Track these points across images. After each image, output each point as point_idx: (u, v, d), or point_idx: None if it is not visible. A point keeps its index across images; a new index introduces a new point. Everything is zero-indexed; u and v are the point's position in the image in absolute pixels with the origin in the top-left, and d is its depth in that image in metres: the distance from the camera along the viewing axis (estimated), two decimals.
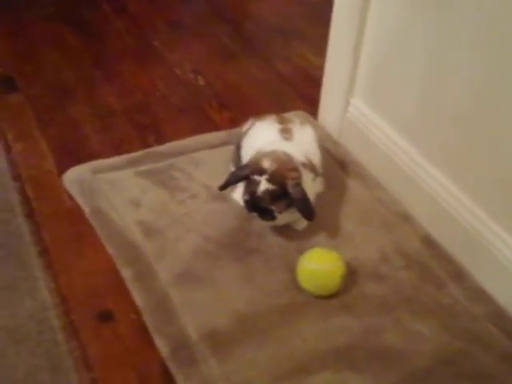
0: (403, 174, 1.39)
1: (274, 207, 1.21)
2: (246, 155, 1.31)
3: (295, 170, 1.22)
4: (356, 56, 1.46)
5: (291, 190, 1.20)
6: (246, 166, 1.25)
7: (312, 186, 1.28)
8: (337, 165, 1.51)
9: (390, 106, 1.43)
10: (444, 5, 1.18)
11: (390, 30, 1.35)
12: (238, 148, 1.37)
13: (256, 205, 1.22)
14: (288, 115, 1.44)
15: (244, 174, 1.24)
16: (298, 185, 1.20)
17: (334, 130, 1.60)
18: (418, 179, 1.35)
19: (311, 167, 1.28)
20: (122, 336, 1.13)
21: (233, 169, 1.40)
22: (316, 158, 1.32)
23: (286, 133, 1.31)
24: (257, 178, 1.21)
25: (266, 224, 1.29)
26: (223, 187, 1.27)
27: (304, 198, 1.21)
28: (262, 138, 1.32)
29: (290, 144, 1.29)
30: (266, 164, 1.21)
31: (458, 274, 1.26)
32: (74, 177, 1.43)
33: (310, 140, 1.35)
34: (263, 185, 1.20)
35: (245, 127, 1.38)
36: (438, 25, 1.21)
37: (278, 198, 1.20)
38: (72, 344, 1.10)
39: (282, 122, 1.34)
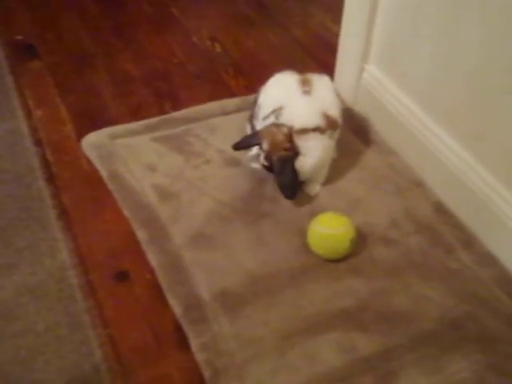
0: (416, 141, 1.40)
1: None
2: (264, 104, 1.36)
3: (286, 149, 1.27)
4: (370, 22, 1.46)
5: (274, 163, 1.27)
6: (256, 135, 1.31)
7: (326, 147, 1.32)
8: (350, 131, 1.52)
9: (403, 73, 1.43)
10: None
11: None
12: (256, 98, 1.40)
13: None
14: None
15: (254, 143, 1.31)
16: (280, 160, 1.26)
17: (348, 97, 1.60)
18: (431, 146, 1.36)
19: (327, 125, 1.30)
20: (137, 295, 1.17)
21: (248, 125, 1.43)
22: (335, 110, 1.34)
23: (305, 84, 1.34)
24: (261, 151, 1.30)
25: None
26: (236, 147, 1.33)
27: (279, 172, 1.27)
28: (281, 86, 1.36)
29: (307, 99, 1.32)
30: (265, 145, 1.27)
31: (468, 240, 1.28)
32: (93, 142, 1.46)
33: (329, 90, 1.36)
34: (262, 160, 1.30)
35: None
36: None
37: None
38: (90, 302, 1.15)
39: (300, 73, 1.38)
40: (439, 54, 1.29)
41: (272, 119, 1.30)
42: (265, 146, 1.28)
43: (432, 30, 1.29)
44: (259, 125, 1.35)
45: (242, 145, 1.34)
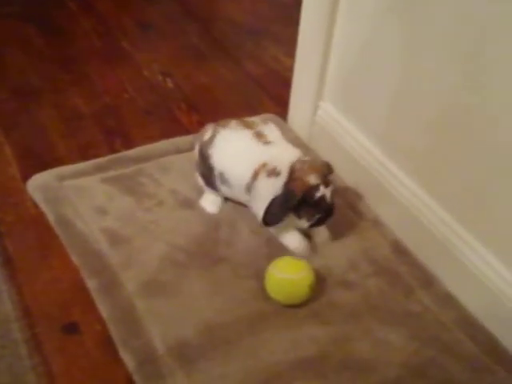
0: (373, 180, 1.38)
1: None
2: (230, 171, 1.27)
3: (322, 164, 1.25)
4: (325, 58, 1.45)
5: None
6: (290, 194, 1.19)
7: None
8: None
9: (360, 111, 1.42)
10: (416, 8, 1.17)
11: (359, 32, 1.34)
12: (204, 158, 1.31)
13: (328, 213, 1.23)
14: (256, 119, 1.40)
15: (295, 202, 1.19)
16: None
17: (304, 134, 1.59)
18: (388, 185, 1.35)
19: None
20: (87, 349, 1.10)
21: (200, 179, 1.36)
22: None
23: (261, 137, 1.27)
24: (317, 194, 1.19)
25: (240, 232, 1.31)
26: (270, 223, 1.23)
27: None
28: (239, 147, 1.27)
29: (273, 147, 1.26)
30: (312, 179, 1.19)
31: (427, 281, 1.26)
32: (39, 183, 1.40)
33: (280, 136, 1.31)
34: (328, 192, 1.21)
35: (206, 135, 1.32)
36: (410, 29, 1.20)
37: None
38: (35, 358, 1.07)
39: (248, 126, 1.29)
40: (397, 96, 1.28)
41: (264, 179, 1.22)
42: (315, 178, 1.19)
43: (391, 71, 1.28)
44: (237, 193, 1.31)
45: (280, 216, 1.21)
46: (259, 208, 1.24)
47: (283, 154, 1.24)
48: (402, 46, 1.23)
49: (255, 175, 1.23)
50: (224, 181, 1.30)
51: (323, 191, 1.20)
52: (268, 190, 1.22)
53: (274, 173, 1.21)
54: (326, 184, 1.21)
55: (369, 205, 1.42)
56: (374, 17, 1.28)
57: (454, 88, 1.13)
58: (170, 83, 1.83)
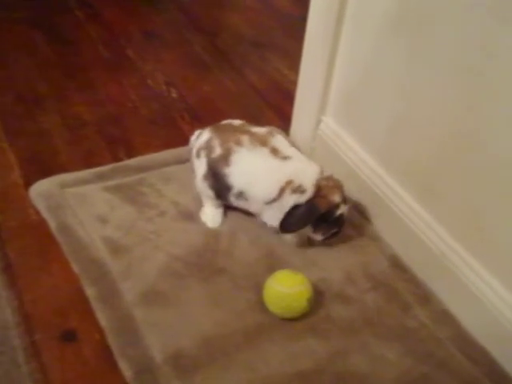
0: (374, 195, 1.39)
1: None
2: (250, 187, 1.29)
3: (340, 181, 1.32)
4: (329, 73, 1.46)
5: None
6: (314, 209, 1.25)
7: None
8: None
9: (361, 127, 1.43)
10: (420, 28, 1.18)
11: (363, 49, 1.35)
12: (218, 176, 1.31)
13: (341, 228, 1.31)
14: (261, 130, 1.39)
15: (317, 215, 1.26)
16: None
17: (305, 147, 1.59)
18: (388, 201, 1.35)
19: None
20: (85, 357, 1.11)
21: (210, 191, 1.35)
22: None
23: (277, 153, 1.29)
24: (337, 212, 1.27)
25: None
26: (288, 231, 1.29)
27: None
28: (260, 166, 1.28)
29: (292, 162, 1.29)
30: (337, 198, 1.27)
31: (425, 297, 1.27)
32: (41, 190, 1.41)
33: (292, 148, 1.34)
34: (345, 210, 1.29)
35: (214, 151, 1.31)
36: (413, 50, 1.21)
37: None
38: (33, 365, 1.08)
39: (262, 143, 1.30)
40: (399, 113, 1.29)
41: (289, 195, 1.25)
42: (338, 195, 1.27)
43: (393, 89, 1.29)
44: (251, 206, 1.33)
45: (300, 225, 1.27)
46: (274, 217, 1.29)
47: (306, 171, 1.28)
48: (405, 66, 1.24)
49: (281, 192, 1.26)
50: (242, 197, 1.31)
51: (342, 209, 1.27)
52: (291, 204, 1.26)
53: (299, 190, 1.25)
54: (345, 202, 1.28)
55: (368, 219, 1.43)
56: (379, 35, 1.29)
57: (456, 109, 1.14)
58: (173, 93, 1.84)
